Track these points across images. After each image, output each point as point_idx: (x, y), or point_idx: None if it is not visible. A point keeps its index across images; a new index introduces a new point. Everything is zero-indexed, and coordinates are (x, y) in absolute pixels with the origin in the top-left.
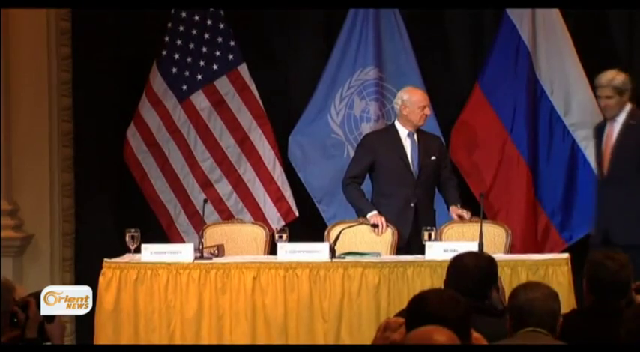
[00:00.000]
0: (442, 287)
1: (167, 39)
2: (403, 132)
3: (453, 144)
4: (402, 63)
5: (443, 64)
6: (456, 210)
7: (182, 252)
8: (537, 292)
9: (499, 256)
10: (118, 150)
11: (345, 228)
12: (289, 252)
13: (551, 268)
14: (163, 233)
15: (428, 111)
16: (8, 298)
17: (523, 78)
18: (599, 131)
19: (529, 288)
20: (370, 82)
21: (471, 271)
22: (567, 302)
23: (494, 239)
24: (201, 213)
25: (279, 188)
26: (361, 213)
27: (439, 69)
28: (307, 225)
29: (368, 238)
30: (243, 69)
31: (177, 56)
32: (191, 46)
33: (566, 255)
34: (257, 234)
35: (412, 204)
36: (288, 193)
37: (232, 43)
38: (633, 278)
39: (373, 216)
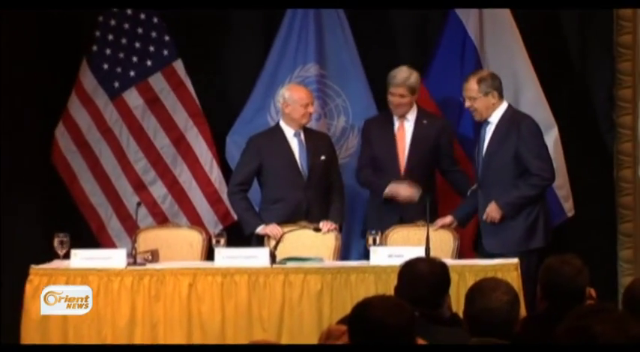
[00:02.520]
0: (386, 293)
1: (98, 33)
2: (289, 132)
3: None
4: (344, 59)
5: (387, 61)
6: (324, 223)
7: (114, 258)
8: (495, 301)
9: (446, 261)
10: (45, 150)
11: (286, 232)
12: (227, 257)
13: (500, 273)
14: (94, 238)
15: (311, 109)
16: None
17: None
18: (380, 126)
19: (487, 294)
20: (311, 79)
21: (426, 278)
22: None
23: (440, 244)
24: (135, 217)
25: (216, 190)
26: (248, 229)
27: (383, 66)
28: None
29: (310, 243)
30: (179, 65)
31: (108, 51)
32: (123, 40)
33: (515, 260)
34: (193, 239)
35: (304, 208)
36: (225, 195)
37: (167, 38)
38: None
39: (265, 228)
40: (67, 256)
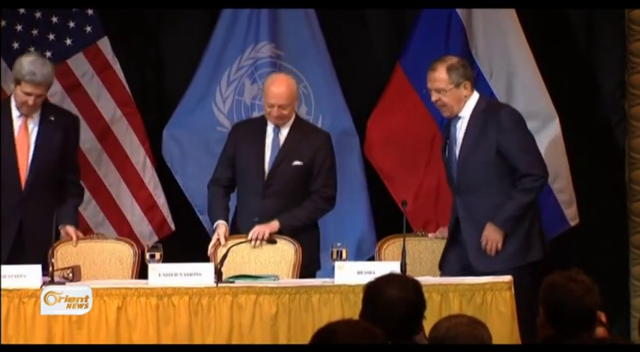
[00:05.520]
0: (355, 317)
1: None
2: (270, 125)
3: (370, 140)
4: (304, 37)
5: (357, 39)
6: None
7: (27, 276)
8: (460, 318)
9: (425, 279)
10: None
11: (235, 245)
12: (163, 274)
13: (491, 294)
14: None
15: (277, 112)
16: None
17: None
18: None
19: (452, 317)
20: (264, 61)
21: (397, 305)
22: (510, 335)
23: None
24: (52, 227)
25: (150, 194)
26: (211, 220)
27: (352, 45)
28: (187, 242)
29: (265, 257)
30: (105, 44)
31: (19, 27)
32: (37, 14)
33: (508, 278)
34: (122, 253)
35: (256, 219)
36: (162, 200)
37: (90, 12)
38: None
39: (217, 226)
40: None
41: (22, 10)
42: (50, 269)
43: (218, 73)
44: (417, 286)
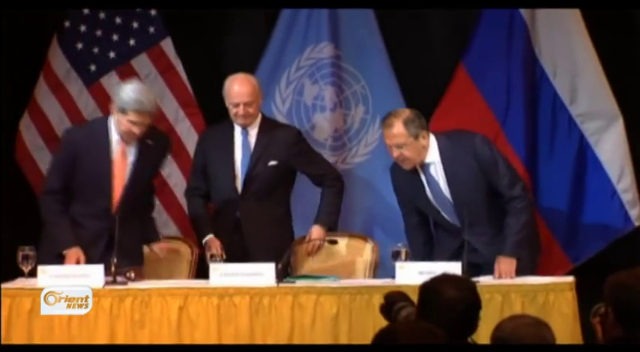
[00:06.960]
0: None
1: None
2: (237, 128)
3: None
4: (363, 37)
5: (417, 39)
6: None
7: (89, 276)
8: (525, 318)
9: (486, 280)
10: (8, 147)
11: (293, 246)
12: (225, 274)
13: (553, 294)
14: None
15: (243, 110)
16: None
17: (519, 56)
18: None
19: (516, 317)
20: (324, 61)
21: (455, 305)
22: (572, 336)
23: None
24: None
25: None
26: (199, 235)
27: (412, 45)
28: None
29: (341, 256)
30: (168, 44)
31: (83, 28)
32: (101, 15)
33: (570, 279)
34: (182, 253)
35: (231, 224)
36: None
37: (154, 13)
38: None
39: (208, 241)
40: (32, 273)
41: (86, 11)
42: (112, 268)
43: (278, 74)
44: (472, 286)
